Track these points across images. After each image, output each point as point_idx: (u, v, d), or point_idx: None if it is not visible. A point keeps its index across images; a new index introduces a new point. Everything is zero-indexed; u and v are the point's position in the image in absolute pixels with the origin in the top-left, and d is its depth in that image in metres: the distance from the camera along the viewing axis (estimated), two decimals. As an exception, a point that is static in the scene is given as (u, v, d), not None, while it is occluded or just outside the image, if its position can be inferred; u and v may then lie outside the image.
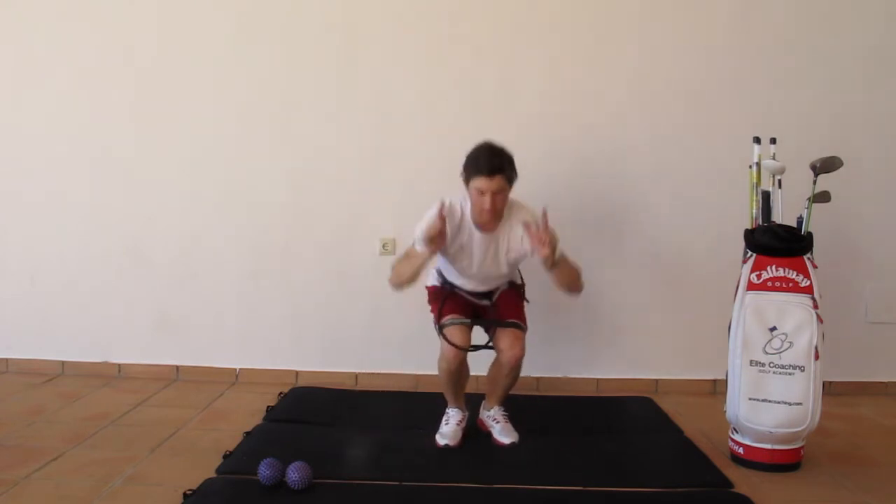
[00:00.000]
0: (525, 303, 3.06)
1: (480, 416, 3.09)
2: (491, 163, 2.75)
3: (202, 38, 3.66)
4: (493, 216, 2.82)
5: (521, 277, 3.13)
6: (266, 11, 3.63)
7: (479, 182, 2.75)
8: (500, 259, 2.91)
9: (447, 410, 3.02)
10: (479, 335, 3.01)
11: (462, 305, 2.98)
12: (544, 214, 2.71)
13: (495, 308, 3.01)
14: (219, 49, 3.66)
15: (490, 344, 2.98)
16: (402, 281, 2.88)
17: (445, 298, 2.97)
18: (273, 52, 3.65)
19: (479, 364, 3.53)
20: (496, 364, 2.98)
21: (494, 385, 3.02)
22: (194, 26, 3.65)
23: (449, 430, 2.95)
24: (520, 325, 2.91)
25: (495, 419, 3.01)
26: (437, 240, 2.73)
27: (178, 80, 3.67)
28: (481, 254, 2.89)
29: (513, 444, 2.92)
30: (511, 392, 3.05)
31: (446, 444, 2.90)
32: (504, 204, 2.83)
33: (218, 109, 3.67)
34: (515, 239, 2.86)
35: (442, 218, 2.73)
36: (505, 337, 2.89)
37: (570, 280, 2.88)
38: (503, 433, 2.95)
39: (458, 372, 2.92)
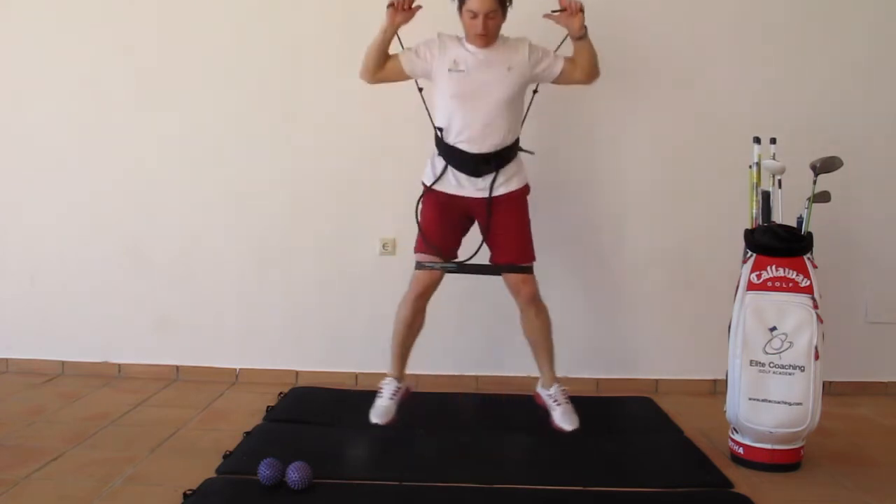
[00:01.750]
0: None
1: (538, 391, 3.07)
2: None
3: (202, 39, 3.66)
4: (487, 40, 2.82)
5: (525, 174, 3.07)
6: (266, 11, 3.64)
7: (471, 3, 2.76)
8: (502, 75, 2.86)
9: (384, 379, 3.01)
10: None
11: (446, 232, 2.94)
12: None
13: (496, 232, 2.94)
14: (219, 49, 3.66)
15: (457, 264, 2.96)
16: (367, 61, 2.89)
17: (429, 227, 2.94)
18: (273, 52, 3.65)
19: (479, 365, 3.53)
20: (521, 315, 2.97)
21: (536, 345, 2.99)
22: (194, 26, 3.65)
23: (381, 405, 2.94)
24: (524, 268, 2.89)
25: (556, 400, 2.96)
26: (400, 8, 2.78)
27: (178, 81, 3.67)
28: (480, 68, 2.86)
29: (575, 430, 2.90)
30: (511, 392, 3.05)
31: (376, 423, 2.89)
32: (497, 28, 2.84)
33: (218, 109, 3.67)
34: (519, 59, 2.87)
35: None
36: (511, 277, 2.89)
37: (592, 57, 2.90)
38: (565, 418, 2.92)
39: (412, 326, 2.92)
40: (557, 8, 2.87)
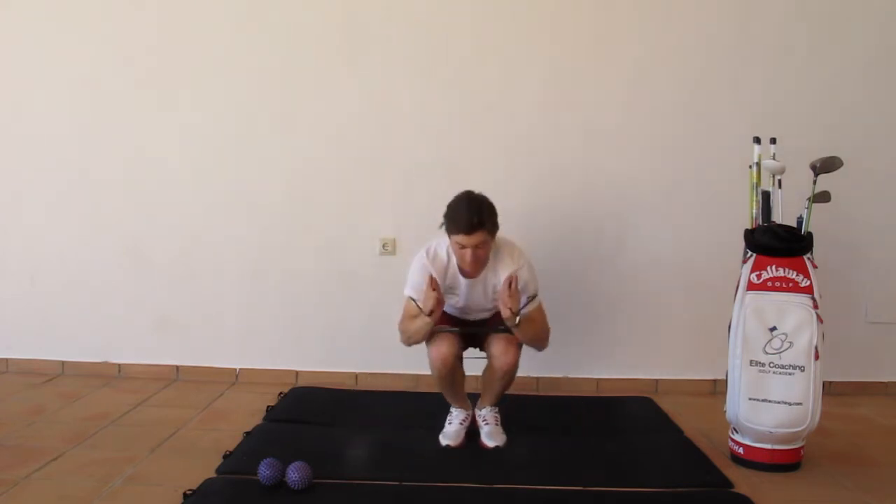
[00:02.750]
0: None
1: (475, 411, 3.08)
2: (470, 220, 2.69)
3: (202, 39, 3.66)
4: (477, 267, 2.82)
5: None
6: (266, 11, 3.63)
7: (459, 238, 2.72)
8: (488, 298, 2.90)
9: (450, 410, 3.03)
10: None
11: (450, 316, 2.98)
12: (511, 279, 2.72)
13: (488, 319, 3.00)
14: (219, 49, 3.66)
15: (481, 351, 2.98)
16: (414, 342, 2.89)
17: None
18: (273, 53, 3.65)
19: (476, 366, 3.53)
20: (489, 369, 2.95)
21: (487, 387, 3.00)
22: (194, 27, 3.65)
23: (451, 430, 2.96)
24: (512, 331, 2.84)
25: (485, 420, 2.99)
26: (437, 308, 2.75)
27: (178, 81, 3.67)
28: (469, 294, 2.91)
29: (496, 447, 2.90)
30: (511, 392, 3.05)
31: (447, 445, 2.90)
32: (486, 254, 2.82)
33: (218, 110, 3.67)
34: (500, 283, 2.82)
35: (434, 287, 2.73)
36: (497, 343, 2.86)
37: (532, 339, 2.86)
38: (490, 436, 2.94)
39: (451, 376, 2.91)
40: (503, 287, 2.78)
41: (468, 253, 2.74)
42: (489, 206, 2.77)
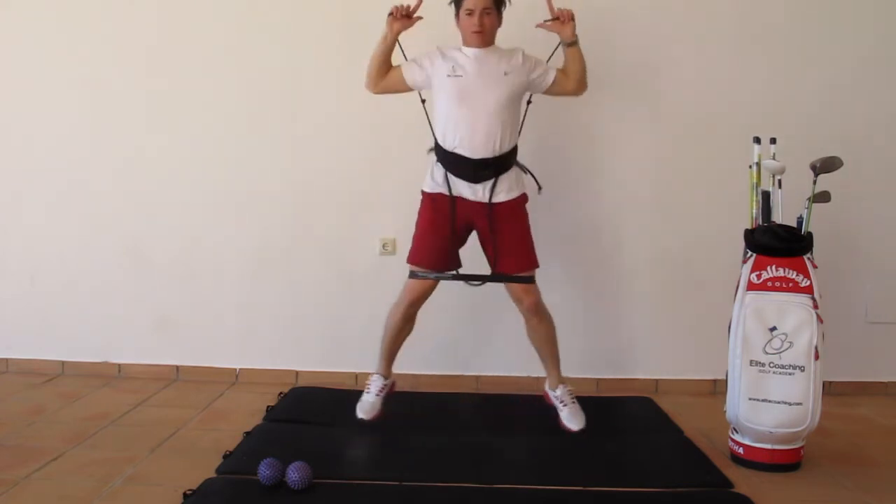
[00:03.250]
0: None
1: (546, 391, 3.10)
2: None
3: (202, 39, 3.66)
4: (483, 38, 2.90)
5: (527, 170, 3.09)
6: (266, 11, 3.63)
7: (468, 2, 2.85)
8: (499, 79, 2.90)
9: (371, 377, 3.06)
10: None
11: (441, 245, 2.96)
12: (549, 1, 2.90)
13: (497, 241, 2.94)
14: (219, 49, 3.66)
15: (454, 274, 3.00)
16: (370, 70, 2.97)
17: (426, 235, 2.98)
18: (273, 53, 3.65)
19: (478, 366, 3.54)
20: (527, 326, 3.01)
21: (545, 353, 3.03)
22: (194, 27, 3.65)
23: (367, 401, 3.00)
24: (525, 278, 2.92)
25: (562, 401, 3.01)
26: (398, 16, 2.87)
27: (178, 81, 3.67)
28: (478, 72, 2.90)
29: (581, 430, 2.94)
30: (511, 392, 3.05)
31: (362, 418, 2.94)
32: (492, 26, 2.91)
33: (218, 110, 3.67)
34: (514, 64, 2.93)
35: (416, 6, 2.88)
36: (514, 287, 2.93)
37: (582, 67, 2.98)
38: (571, 418, 2.96)
39: (402, 331, 2.97)
40: (549, 18, 2.96)
41: (475, 19, 2.85)
42: None
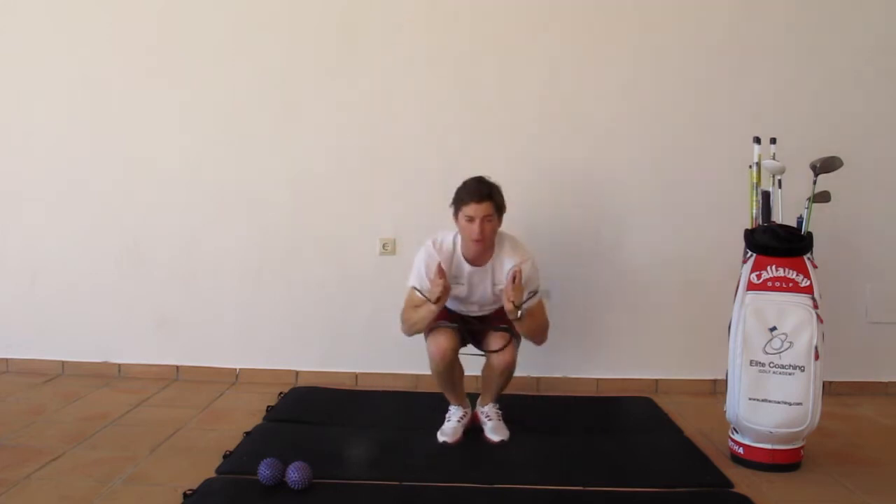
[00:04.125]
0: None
1: (476, 409, 3.11)
2: (479, 189, 2.84)
3: (202, 39, 3.66)
4: (484, 245, 2.87)
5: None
6: (266, 11, 3.63)
7: (469, 209, 2.82)
8: (491, 290, 2.95)
9: (449, 408, 3.06)
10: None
11: (450, 312, 3.00)
12: (516, 272, 2.79)
13: (487, 317, 3.04)
14: (218, 49, 3.66)
15: (481, 350, 3.01)
16: (416, 331, 2.94)
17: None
18: (273, 53, 3.65)
19: (475, 364, 3.53)
20: (487, 367, 2.99)
21: (487, 385, 3.04)
22: (194, 26, 3.65)
23: (449, 427, 2.99)
24: (510, 330, 2.90)
25: (488, 416, 3.04)
26: (444, 296, 2.81)
27: (178, 81, 3.67)
28: (472, 284, 2.95)
29: (502, 441, 2.95)
30: (511, 392, 3.06)
31: (444, 441, 2.93)
32: (493, 232, 2.88)
33: (218, 110, 3.67)
34: (504, 274, 2.88)
35: (442, 274, 2.80)
36: (496, 341, 2.92)
37: (532, 332, 2.93)
38: (494, 431, 2.99)
39: (450, 372, 2.94)
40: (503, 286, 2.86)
41: (476, 226, 2.82)
42: (497, 186, 2.91)
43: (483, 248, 2.89)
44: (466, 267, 2.93)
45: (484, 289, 2.95)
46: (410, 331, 2.95)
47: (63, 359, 3.77)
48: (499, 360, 2.90)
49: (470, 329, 3.02)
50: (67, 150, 3.72)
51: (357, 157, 3.67)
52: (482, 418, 3.05)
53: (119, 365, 3.76)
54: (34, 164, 3.73)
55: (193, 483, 2.47)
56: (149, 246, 3.72)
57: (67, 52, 3.69)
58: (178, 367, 3.75)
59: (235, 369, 3.75)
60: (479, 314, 3.04)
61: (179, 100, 3.68)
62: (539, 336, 2.97)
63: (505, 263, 2.91)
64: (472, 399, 3.10)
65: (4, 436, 2.92)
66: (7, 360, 3.79)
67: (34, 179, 3.74)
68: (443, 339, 2.88)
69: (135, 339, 3.76)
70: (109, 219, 3.73)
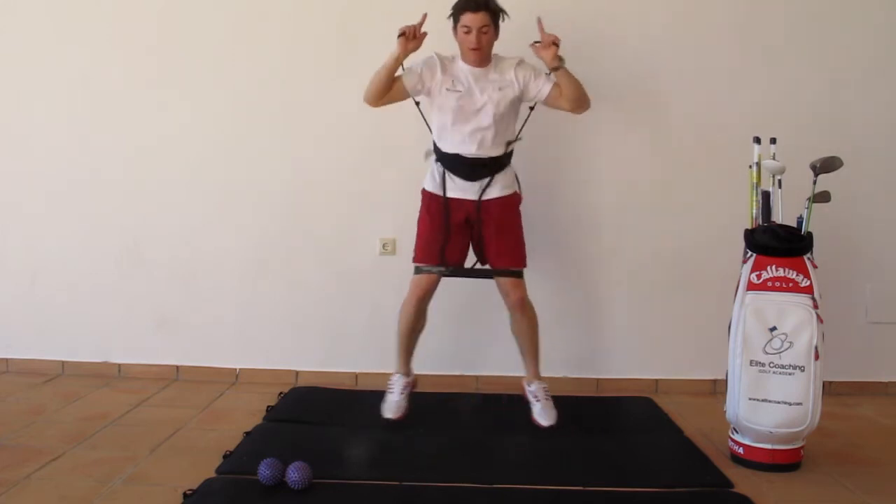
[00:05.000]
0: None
1: (523, 385, 3.16)
2: (477, 0, 2.92)
3: (201, 38, 3.66)
4: (481, 54, 2.96)
5: (518, 184, 3.18)
6: (266, 11, 3.63)
7: (466, 18, 2.91)
8: (494, 95, 2.98)
9: (392, 376, 3.12)
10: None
11: (442, 241, 3.01)
12: (539, 22, 2.96)
13: (489, 237, 3.04)
14: (218, 49, 3.65)
15: (474, 268, 3.10)
16: (376, 87, 2.99)
17: (428, 233, 3.05)
18: (273, 52, 3.65)
19: (472, 365, 3.54)
20: (511, 320, 3.09)
21: (525, 347, 3.10)
22: (194, 25, 3.65)
23: (393, 400, 3.06)
24: (514, 272, 3.00)
25: (535, 396, 3.07)
26: (411, 37, 2.89)
27: (178, 81, 3.67)
28: (475, 87, 2.98)
29: (551, 426, 2.99)
30: (511, 392, 3.06)
31: (389, 418, 2.98)
32: (490, 43, 2.97)
33: (218, 110, 3.67)
34: (509, 79, 2.99)
35: (421, 23, 2.91)
36: (503, 283, 3.03)
37: (576, 89, 2.99)
38: (542, 414, 3.02)
39: (418, 320, 3.04)
40: (538, 39, 3.01)
41: (473, 37, 2.90)
42: None
43: (480, 57, 2.96)
44: (465, 67, 2.99)
45: (488, 94, 2.97)
46: (370, 86, 2.99)
47: (63, 359, 3.77)
48: (511, 300, 3.01)
49: (469, 272, 3.09)
50: (67, 150, 3.72)
51: (357, 157, 3.67)
52: (530, 398, 3.07)
53: (119, 365, 3.76)
54: (34, 164, 3.73)
55: (193, 483, 2.47)
56: (149, 246, 3.72)
57: (67, 52, 3.69)
58: (178, 367, 3.75)
59: (235, 369, 3.75)
60: (480, 153, 3.00)
61: (179, 100, 3.67)
62: (583, 93, 3.01)
63: (505, 70, 3.00)
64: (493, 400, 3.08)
65: (4, 436, 2.92)
66: (7, 360, 3.79)
67: (34, 179, 3.74)
68: (424, 280, 2.99)
69: (135, 339, 3.76)
70: (109, 219, 3.72)
